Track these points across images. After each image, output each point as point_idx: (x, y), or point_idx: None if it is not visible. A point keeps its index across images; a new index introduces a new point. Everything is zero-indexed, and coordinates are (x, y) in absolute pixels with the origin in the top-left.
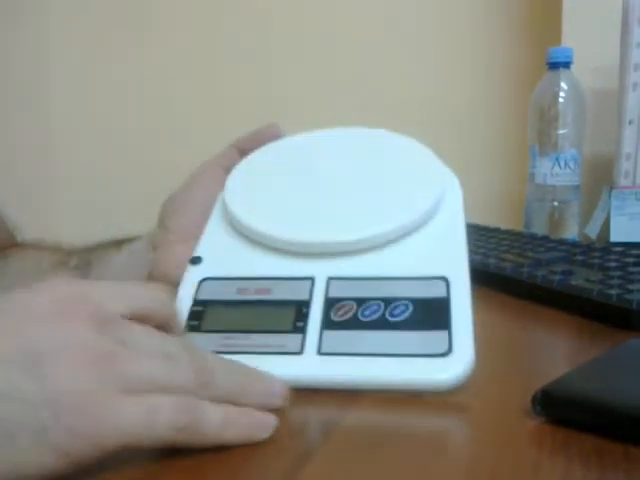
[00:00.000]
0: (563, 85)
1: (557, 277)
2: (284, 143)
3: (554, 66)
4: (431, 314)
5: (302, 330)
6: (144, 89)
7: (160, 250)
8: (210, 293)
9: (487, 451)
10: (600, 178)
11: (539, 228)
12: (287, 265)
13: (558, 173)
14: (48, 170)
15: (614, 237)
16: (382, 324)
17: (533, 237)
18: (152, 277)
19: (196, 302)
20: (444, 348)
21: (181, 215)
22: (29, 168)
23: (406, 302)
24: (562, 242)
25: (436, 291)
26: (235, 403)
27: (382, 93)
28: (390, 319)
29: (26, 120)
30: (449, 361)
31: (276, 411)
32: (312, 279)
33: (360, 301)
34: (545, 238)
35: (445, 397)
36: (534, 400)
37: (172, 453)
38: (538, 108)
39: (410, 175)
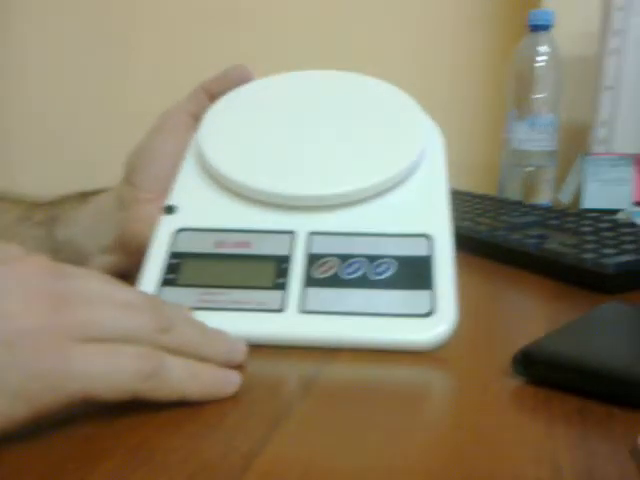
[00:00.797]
0: (543, 48)
1: (532, 241)
2: (259, 85)
3: (534, 29)
4: (414, 273)
5: (282, 287)
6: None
7: (129, 209)
8: (187, 245)
9: (468, 410)
10: (576, 145)
11: (513, 194)
12: (267, 217)
13: (534, 138)
14: (10, 117)
15: (587, 204)
16: (365, 282)
17: (506, 202)
18: (122, 239)
19: (173, 254)
20: (426, 308)
21: (149, 169)
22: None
23: (389, 260)
24: (536, 207)
25: (419, 249)
26: (196, 357)
27: (360, 50)
28: (373, 277)
29: None
30: (431, 321)
31: (259, 370)
32: (293, 233)
33: (343, 257)
34: (519, 203)
35: (426, 356)
36: (515, 360)
37: (139, 410)
38: (517, 71)
39: (393, 125)
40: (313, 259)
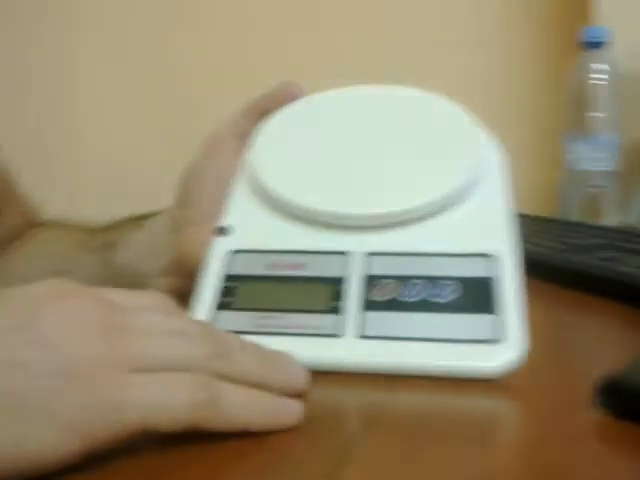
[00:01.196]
0: (599, 66)
1: (602, 263)
2: (312, 102)
3: (590, 46)
4: (477, 295)
5: (337, 310)
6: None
7: (182, 232)
8: (242, 267)
9: (549, 447)
10: (636, 165)
11: (573, 216)
12: (321, 238)
13: (594, 157)
14: (76, 147)
15: None
16: (426, 305)
17: (568, 223)
18: (177, 261)
19: (227, 277)
20: (494, 333)
21: (200, 192)
22: (56, 145)
23: (451, 281)
24: (601, 228)
25: (480, 269)
26: (255, 385)
27: (410, 67)
28: (434, 300)
29: (51, 90)
30: (500, 348)
31: (311, 400)
32: (348, 254)
33: (402, 279)
34: (581, 224)
35: (494, 385)
36: (597, 391)
37: (194, 442)
38: (572, 91)
39: (449, 140)
40: (370, 281)
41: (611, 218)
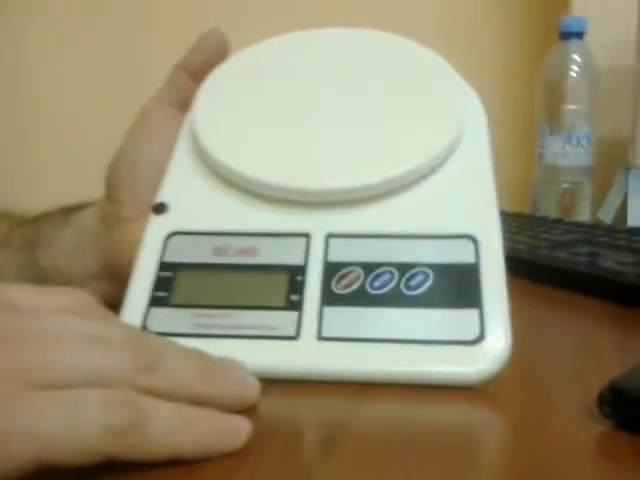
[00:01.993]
0: (575, 57)
1: (583, 259)
2: (260, 51)
3: (566, 36)
4: (457, 286)
5: (298, 306)
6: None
7: (113, 231)
8: (181, 253)
9: (544, 467)
10: (611, 160)
11: (548, 212)
12: (276, 217)
13: (569, 152)
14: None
15: (632, 221)
16: (396, 299)
17: (544, 219)
18: (109, 265)
19: (164, 265)
20: (475, 333)
21: (131, 182)
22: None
23: (425, 269)
24: (579, 224)
25: (462, 255)
26: (193, 401)
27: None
28: (406, 292)
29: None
30: (481, 349)
31: (260, 415)
32: (307, 236)
33: (368, 267)
34: (559, 221)
35: (475, 393)
36: (602, 399)
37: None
38: (548, 82)
39: (425, 98)
40: (333, 269)
41: (586, 214)
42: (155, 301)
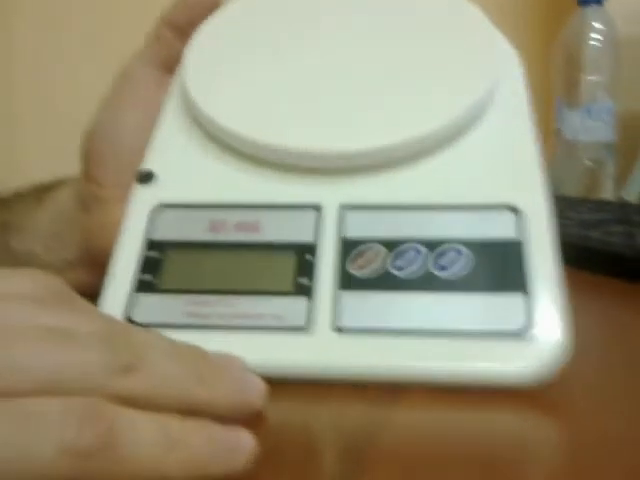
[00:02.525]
0: (595, 24)
1: (617, 239)
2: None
3: (585, 2)
4: (497, 265)
5: (308, 291)
6: None
7: (91, 212)
8: (170, 229)
9: None
10: (635, 135)
11: (568, 191)
12: (282, 186)
13: (591, 127)
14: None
15: None
16: (424, 281)
17: (568, 199)
18: (88, 250)
19: (151, 244)
20: (521, 322)
21: (109, 155)
22: None
23: (457, 246)
24: (606, 203)
25: (502, 228)
26: (184, 409)
27: None
28: (435, 273)
29: None
30: (531, 343)
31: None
32: (318, 208)
33: (390, 244)
34: (583, 199)
35: (526, 397)
36: None
37: None
38: (565, 52)
39: (455, 49)
40: (348, 246)
41: (609, 193)
42: (140, 286)
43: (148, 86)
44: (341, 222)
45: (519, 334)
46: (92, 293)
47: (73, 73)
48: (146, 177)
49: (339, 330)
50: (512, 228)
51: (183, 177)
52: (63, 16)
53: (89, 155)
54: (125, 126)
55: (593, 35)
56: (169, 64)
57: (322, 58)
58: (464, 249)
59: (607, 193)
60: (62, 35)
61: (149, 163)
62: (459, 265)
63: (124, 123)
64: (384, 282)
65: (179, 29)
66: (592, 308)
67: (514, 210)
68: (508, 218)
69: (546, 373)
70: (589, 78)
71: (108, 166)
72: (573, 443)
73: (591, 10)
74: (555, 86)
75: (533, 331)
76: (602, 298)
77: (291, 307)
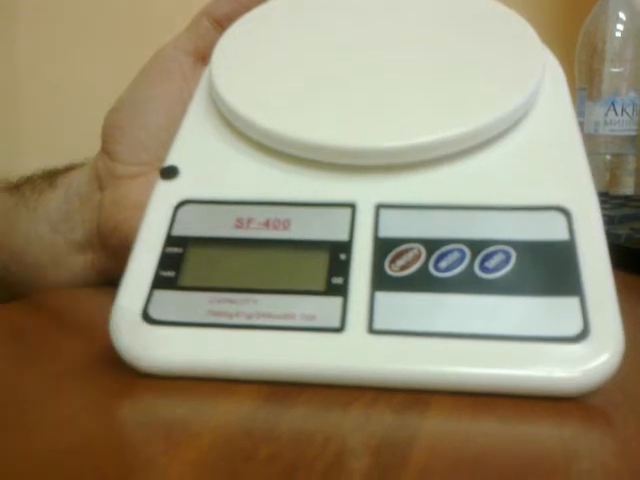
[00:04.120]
0: (620, 14)
1: None
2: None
3: None
4: (549, 268)
5: (342, 291)
6: None
7: (107, 190)
8: (194, 225)
9: None
10: None
11: None
12: (314, 183)
13: (613, 120)
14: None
15: None
16: (469, 283)
17: None
18: (100, 231)
19: (171, 240)
20: (576, 327)
21: (133, 131)
22: None
23: (505, 247)
24: (630, 198)
25: (553, 230)
26: None
27: None
28: (482, 275)
29: None
30: (586, 349)
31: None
32: (353, 206)
33: (431, 244)
34: (605, 194)
35: (578, 406)
36: None
37: None
38: (588, 43)
39: (496, 44)
40: (386, 246)
41: (630, 188)
42: (160, 282)
43: (178, 70)
44: (377, 221)
45: (576, 340)
46: (103, 279)
47: (75, 71)
48: (169, 172)
49: (375, 332)
50: (564, 230)
51: (209, 173)
52: (64, 14)
53: (109, 129)
54: (148, 104)
55: (617, 26)
56: (202, 54)
57: (359, 55)
58: (512, 251)
59: (628, 188)
60: (62, 33)
61: (173, 159)
62: (507, 267)
63: (147, 101)
64: (424, 283)
65: (217, 21)
66: (624, 308)
67: (564, 212)
68: (559, 219)
69: (601, 381)
70: (612, 70)
71: (126, 142)
72: (618, 452)
73: (615, 0)
74: (578, 78)
75: (590, 337)
76: (632, 297)
77: (324, 307)
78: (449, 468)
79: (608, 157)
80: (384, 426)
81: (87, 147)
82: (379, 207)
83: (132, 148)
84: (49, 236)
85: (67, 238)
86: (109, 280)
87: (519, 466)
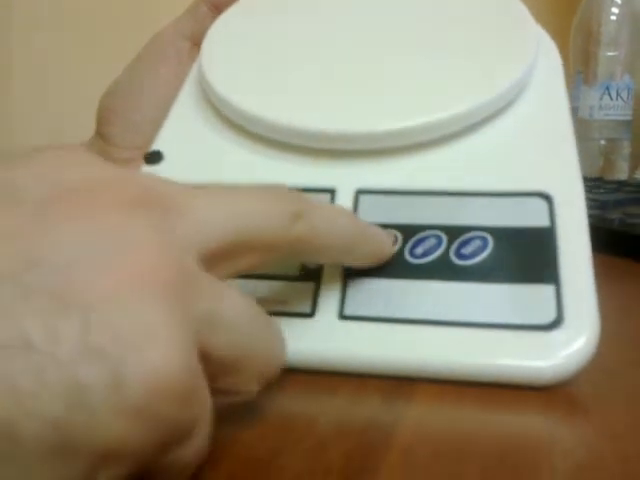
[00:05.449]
0: None
1: (638, 221)
2: None
3: None
4: (526, 255)
5: (315, 276)
6: None
7: None
8: None
9: None
10: None
11: (584, 172)
12: (296, 169)
13: (608, 105)
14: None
15: None
16: (445, 270)
17: (584, 179)
18: None
19: None
20: (550, 315)
21: (127, 114)
22: None
23: (483, 234)
24: (624, 183)
25: (533, 216)
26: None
27: None
28: (458, 262)
29: None
30: (559, 337)
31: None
32: (332, 191)
33: (407, 230)
34: (599, 179)
35: (553, 395)
36: None
37: None
38: (583, 26)
39: (488, 31)
40: None
41: (624, 173)
42: None
43: (174, 54)
44: (356, 206)
45: (549, 328)
46: None
47: (72, 74)
48: (153, 157)
49: (346, 318)
50: (544, 216)
51: (193, 159)
52: (63, 15)
53: (104, 111)
54: (143, 87)
55: (612, 9)
56: (200, 39)
57: (344, 41)
58: (489, 237)
59: (622, 173)
60: (62, 35)
61: (158, 144)
62: (483, 254)
63: (142, 84)
64: (398, 269)
65: (215, 6)
66: (615, 292)
67: (547, 197)
68: (540, 205)
69: (578, 368)
70: (608, 53)
71: (120, 124)
72: (600, 436)
73: None
74: (573, 62)
75: (564, 325)
76: (624, 282)
77: (296, 292)
78: (433, 453)
79: (602, 142)
80: (369, 410)
81: (81, 128)
82: (359, 192)
83: (126, 131)
84: None
85: None
86: None
87: (502, 450)
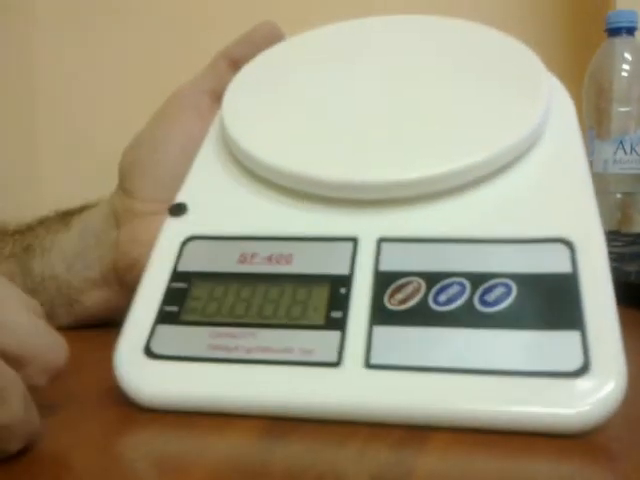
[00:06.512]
0: (626, 55)
1: None
2: (302, 40)
3: (614, 33)
4: (551, 301)
5: (341, 325)
6: None
7: (124, 227)
8: (198, 261)
9: None
10: None
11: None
12: (315, 219)
13: (622, 159)
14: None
15: None
16: (469, 317)
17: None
18: (117, 267)
19: (176, 275)
20: (577, 362)
21: (150, 169)
22: None
23: (506, 280)
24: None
25: (556, 263)
26: None
27: None
28: (481, 309)
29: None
30: (586, 384)
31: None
32: (355, 240)
33: (431, 278)
34: (616, 232)
35: (580, 444)
36: None
37: None
38: (595, 83)
39: (502, 83)
40: (385, 280)
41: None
42: (163, 317)
43: (195, 109)
44: (378, 255)
45: (576, 375)
46: (117, 315)
47: (95, 95)
48: (177, 210)
49: (372, 367)
50: (566, 262)
51: (216, 210)
52: (87, 31)
53: (128, 166)
54: (166, 142)
55: (624, 66)
56: (219, 94)
57: (362, 93)
58: (513, 284)
59: (639, 226)
60: (86, 52)
61: (182, 197)
62: (507, 300)
63: (165, 139)
64: (423, 317)
65: (234, 62)
66: (633, 344)
67: (568, 244)
68: (562, 252)
69: (607, 415)
70: (620, 109)
71: (146, 179)
72: None
73: (621, 41)
74: (587, 118)
75: (591, 372)
76: None
77: (322, 341)
78: None
79: (619, 195)
80: (379, 462)
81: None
82: (381, 241)
83: (150, 185)
84: (64, 276)
85: (82, 276)
86: (122, 316)
87: None
